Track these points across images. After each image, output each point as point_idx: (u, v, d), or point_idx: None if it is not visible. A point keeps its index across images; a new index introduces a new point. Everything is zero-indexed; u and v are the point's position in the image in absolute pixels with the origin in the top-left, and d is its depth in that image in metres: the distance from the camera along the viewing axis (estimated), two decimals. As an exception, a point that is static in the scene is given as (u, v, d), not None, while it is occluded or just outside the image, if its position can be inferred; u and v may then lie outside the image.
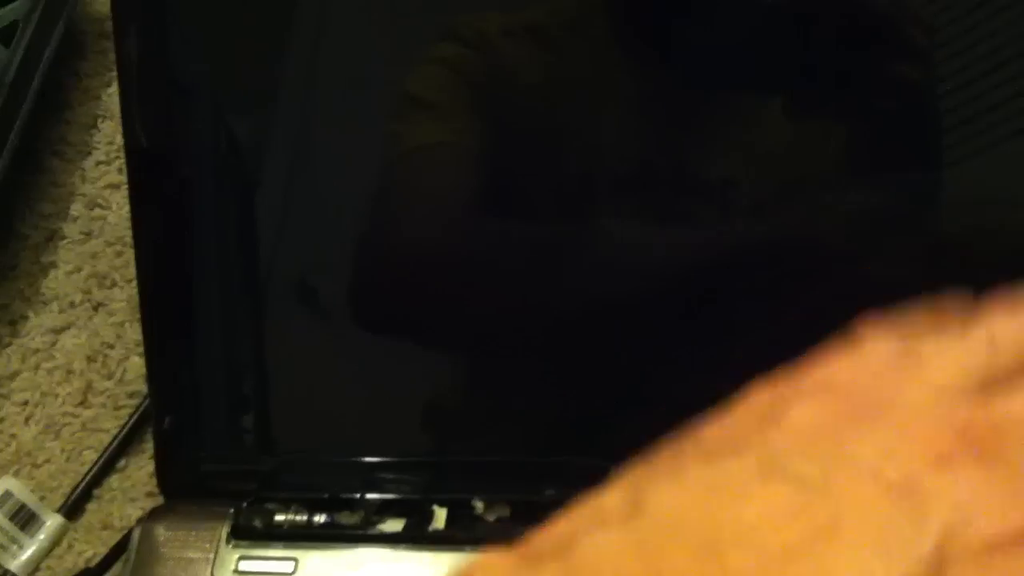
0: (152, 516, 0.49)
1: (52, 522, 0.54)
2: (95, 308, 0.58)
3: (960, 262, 0.43)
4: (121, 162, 0.61)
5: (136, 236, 0.50)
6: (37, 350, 0.58)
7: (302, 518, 0.48)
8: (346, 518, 0.48)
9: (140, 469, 0.55)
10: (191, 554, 0.48)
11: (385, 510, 0.48)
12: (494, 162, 0.46)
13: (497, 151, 0.47)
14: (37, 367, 0.57)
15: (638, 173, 0.45)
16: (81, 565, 0.53)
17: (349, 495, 0.48)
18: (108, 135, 0.62)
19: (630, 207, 0.45)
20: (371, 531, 0.47)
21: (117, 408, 0.56)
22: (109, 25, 0.62)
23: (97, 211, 0.61)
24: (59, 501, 0.54)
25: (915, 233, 0.44)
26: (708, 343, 0.46)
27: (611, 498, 0.20)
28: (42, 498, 0.55)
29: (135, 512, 0.54)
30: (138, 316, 0.57)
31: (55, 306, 0.59)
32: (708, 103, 0.44)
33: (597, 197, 0.45)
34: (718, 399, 0.45)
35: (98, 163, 0.62)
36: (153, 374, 0.51)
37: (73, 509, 0.54)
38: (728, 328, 0.46)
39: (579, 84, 0.45)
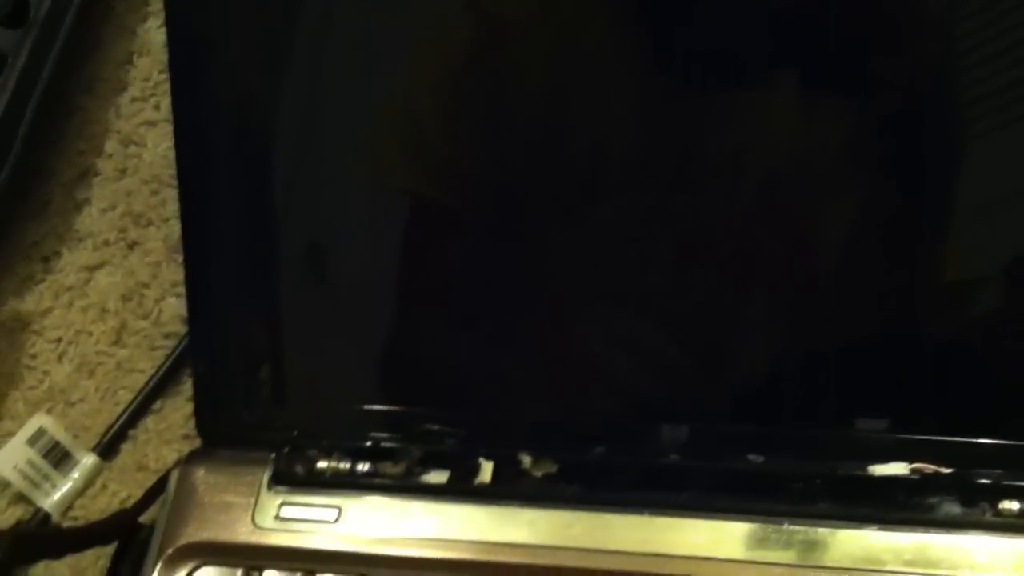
0: (191, 459, 0.49)
1: (86, 461, 0.53)
2: (130, 247, 0.58)
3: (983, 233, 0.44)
4: (157, 99, 0.60)
5: (180, 176, 0.49)
6: (70, 287, 0.57)
7: (345, 466, 0.48)
8: (389, 468, 0.48)
9: (176, 411, 0.54)
10: (231, 498, 0.48)
11: (429, 462, 0.48)
12: (497, 140, 0.46)
13: (501, 129, 0.46)
14: (71, 304, 0.57)
15: (643, 153, 0.44)
16: (115, 506, 0.53)
17: (393, 445, 0.48)
18: (143, 71, 0.61)
19: (635, 188, 0.45)
20: (415, 482, 0.47)
21: (152, 349, 0.56)
22: (142, -41, 0.61)
23: (132, 148, 0.60)
24: (93, 441, 0.54)
25: (927, 215, 0.43)
26: (733, 313, 0.46)
27: None
28: (75, 437, 0.54)
29: (171, 454, 0.53)
30: (174, 256, 0.57)
31: (89, 243, 0.58)
32: (716, 81, 0.43)
33: (601, 178, 0.45)
34: (751, 367, 0.45)
35: (133, 99, 0.61)
36: (194, 319, 0.50)
37: (107, 449, 0.54)
38: (753, 298, 0.46)
39: (584, 61, 0.45)
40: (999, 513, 0.43)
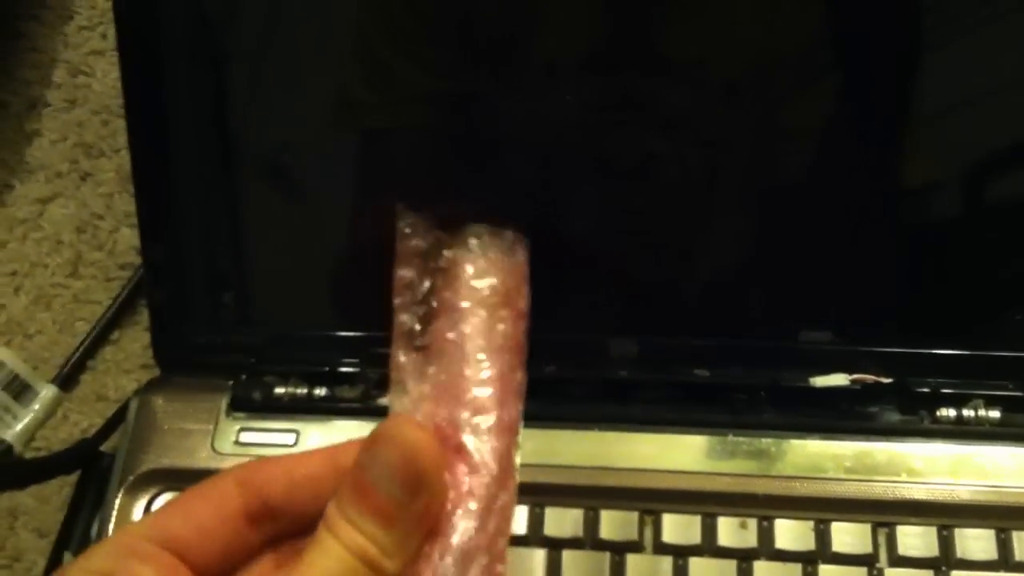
0: (149, 387, 0.49)
1: (46, 392, 0.54)
2: (82, 178, 0.57)
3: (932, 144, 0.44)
4: (104, 27, 0.60)
5: (127, 105, 0.49)
6: (24, 220, 0.57)
7: (302, 391, 0.48)
8: (346, 392, 0.48)
9: (134, 341, 0.55)
10: (190, 425, 0.48)
11: (385, 385, 0.48)
12: (459, 41, 0.45)
13: (461, 29, 0.46)
14: (25, 237, 0.56)
15: (605, 54, 0.44)
16: (77, 435, 0.53)
17: (349, 369, 0.48)
18: (90, -1, 0.60)
19: (597, 89, 0.44)
20: (371, 404, 0.48)
21: (108, 280, 0.56)
22: None
23: (81, 79, 0.59)
24: (52, 372, 0.54)
25: (891, 115, 0.44)
26: (682, 220, 0.46)
27: None
28: (35, 369, 0.54)
29: (130, 384, 0.54)
30: (127, 187, 0.57)
31: (41, 176, 0.57)
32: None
33: (563, 79, 0.45)
34: (697, 280, 0.45)
35: (80, 28, 0.60)
36: (147, 248, 0.50)
37: (67, 380, 0.54)
38: (701, 206, 0.46)
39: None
40: (937, 420, 0.44)
